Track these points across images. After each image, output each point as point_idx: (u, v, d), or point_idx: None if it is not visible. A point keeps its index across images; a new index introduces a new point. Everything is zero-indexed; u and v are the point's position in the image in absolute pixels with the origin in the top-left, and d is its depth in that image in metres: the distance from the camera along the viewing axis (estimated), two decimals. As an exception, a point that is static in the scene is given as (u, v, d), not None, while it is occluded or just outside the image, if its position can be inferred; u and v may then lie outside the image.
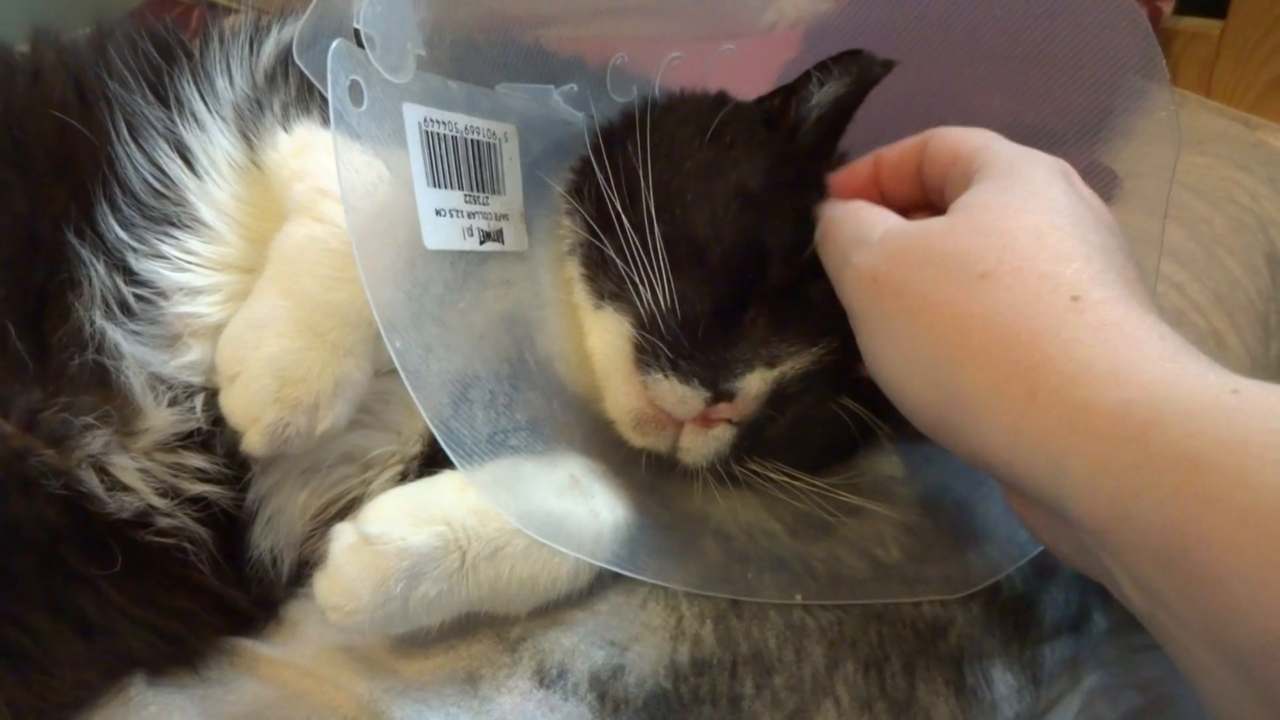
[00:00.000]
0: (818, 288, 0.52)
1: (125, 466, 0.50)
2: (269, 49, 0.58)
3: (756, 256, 0.53)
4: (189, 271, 0.52)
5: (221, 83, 0.56)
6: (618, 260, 0.52)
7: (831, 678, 0.51)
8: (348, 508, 0.54)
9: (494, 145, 0.54)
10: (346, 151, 0.43)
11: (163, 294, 0.51)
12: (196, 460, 0.51)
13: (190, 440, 0.51)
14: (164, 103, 0.55)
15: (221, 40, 0.59)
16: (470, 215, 0.52)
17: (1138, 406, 0.35)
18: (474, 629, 0.49)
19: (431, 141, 0.49)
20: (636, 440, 0.53)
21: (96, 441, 0.49)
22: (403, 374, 0.43)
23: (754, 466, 0.53)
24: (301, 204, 0.49)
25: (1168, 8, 1.10)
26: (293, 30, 0.55)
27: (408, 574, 0.44)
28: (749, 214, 0.53)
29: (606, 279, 0.54)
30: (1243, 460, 0.31)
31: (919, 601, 0.55)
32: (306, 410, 0.45)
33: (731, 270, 0.52)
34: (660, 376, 0.50)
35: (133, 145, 0.53)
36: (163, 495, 0.51)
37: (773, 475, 0.53)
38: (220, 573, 0.53)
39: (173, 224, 0.53)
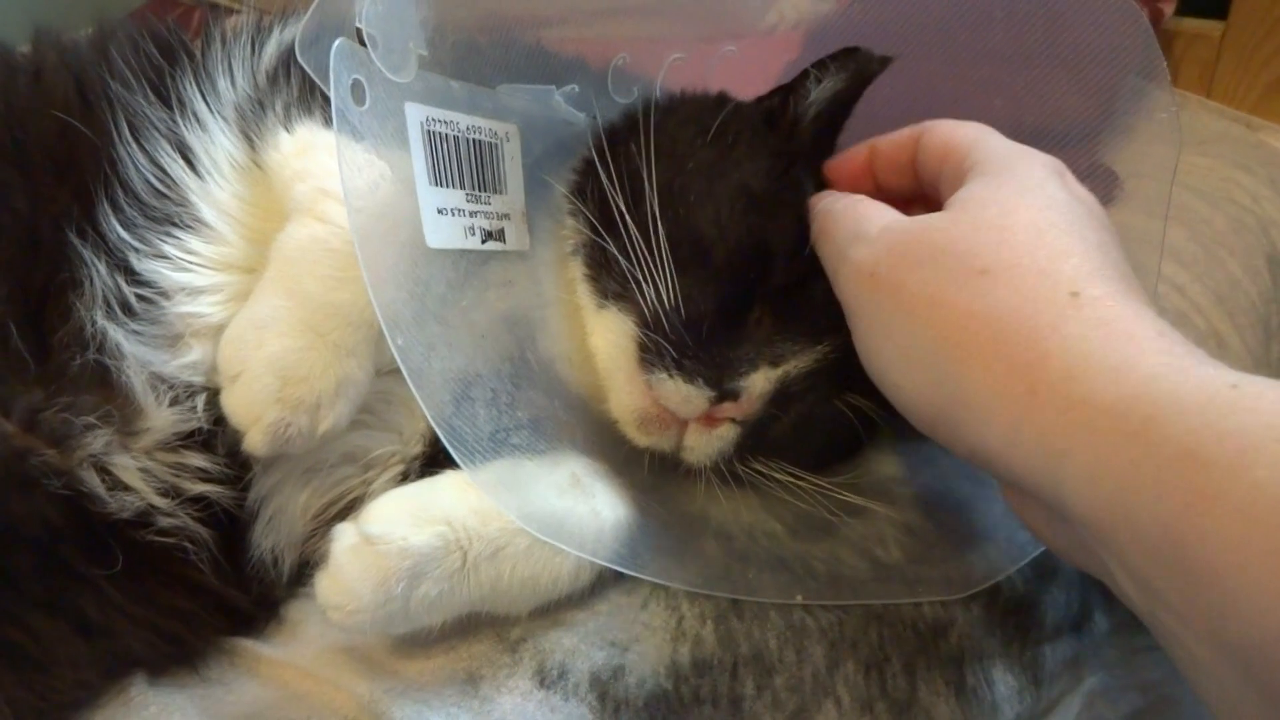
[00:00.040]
0: (820, 286, 0.52)
1: (126, 466, 0.50)
2: (271, 49, 0.58)
3: (760, 255, 0.53)
4: (190, 271, 0.52)
5: (223, 83, 0.57)
6: (621, 260, 0.52)
7: (832, 678, 0.51)
8: (349, 508, 0.54)
9: (496, 145, 0.54)
10: (348, 151, 0.43)
11: (164, 294, 0.51)
12: (198, 460, 0.51)
13: (191, 440, 0.51)
14: (166, 103, 0.55)
15: (223, 40, 0.59)
16: (472, 214, 0.52)
17: (1137, 402, 0.35)
18: (475, 629, 0.49)
19: (433, 141, 0.49)
20: (640, 439, 0.53)
21: (97, 441, 0.49)
22: (405, 372, 0.43)
23: (757, 466, 0.53)
24: (303, 204, 0.49)
25: (1169, 9, 1.10)
26: (294, 30, 0.55)
27: (409, 574, 0.44)
28: (752, 213, 0.54)
29: (610, 279, 0.54)
30: (1241, 455, 0.31)
31: (920, 602, 0.54)
32: (308, 410, 0.46)
33: (735, 269, 0.52)
34: (664, 376, 0.50)
35: (134, 145, 0.53)
36: (164, 495, 0.51)
37: (776, 475, 0.53)
38: (221, 573, 0.53)
39: (174, 224, 0.53)
